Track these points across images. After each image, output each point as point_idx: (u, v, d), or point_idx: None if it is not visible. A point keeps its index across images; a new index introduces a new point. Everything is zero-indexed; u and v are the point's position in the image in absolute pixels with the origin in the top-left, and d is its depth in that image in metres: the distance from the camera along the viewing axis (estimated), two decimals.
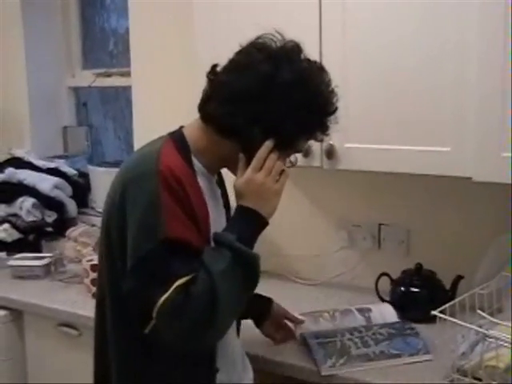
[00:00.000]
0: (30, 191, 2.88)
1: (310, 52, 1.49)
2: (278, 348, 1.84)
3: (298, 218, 2.43)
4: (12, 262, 2.62)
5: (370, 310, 2.02)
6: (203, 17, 2.17)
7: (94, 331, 1.57)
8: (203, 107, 1.48)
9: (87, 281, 2.35)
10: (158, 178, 1.34)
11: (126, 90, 3.01)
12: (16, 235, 2.83)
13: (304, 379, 1.75)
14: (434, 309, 1.64)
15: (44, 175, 2.95)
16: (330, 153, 1.94)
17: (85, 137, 3.40)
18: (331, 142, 1.91)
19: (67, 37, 3.33)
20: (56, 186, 2.92)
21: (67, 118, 3.41)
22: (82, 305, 2.27)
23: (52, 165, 3.04)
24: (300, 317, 1.88)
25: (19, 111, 3.25)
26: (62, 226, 2.87)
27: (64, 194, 2.96)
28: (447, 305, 1.68)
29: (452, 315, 1.63)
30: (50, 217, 2.89)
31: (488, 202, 2.07)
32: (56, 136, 3.37)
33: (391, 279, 2.11)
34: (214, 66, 1.48)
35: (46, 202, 2.88)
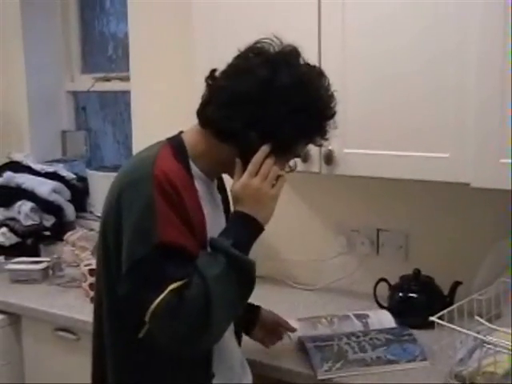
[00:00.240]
0: (29, 195, 2.87)
1: (310, 57, 1.49)
2: (275, 353, 1.83)
3: (296, 222, 2.43)
4: (10, 266, 2.62)
5: (367, 316, 2.02)
6: (202, 22, 2.17)
7: (92, 335, 1.58)
8: (202, 112, 1.48)
9: (85, 285, 2.35)
10: (153, 183, 1.35)
11: (125, 94, 3.01)
12: (14, 239, 2.83)
13: None
14: (432, 315, 1.64)
15: (42, 179, 2.95)
16: (329, 158, 1.94)
17: (83, 141, 3.39)
18: (330, 148, 1.91)
19: (66, 41, 3.34)
20: (54, 190, 2.92)
21: (66, 122, 3.41)
22: (80, 309, 2.26)
23: (50, 169, 3.03)
24: (294, 324, 1.86)
25: (18, 115, 3.25)
26: (60, 230, 2.87)
27: (62, 198, 2.96)
28: (445, 311, 1.68)
29: (450, 321, 1.62)
30: (48, 221, 2.88)
31: (487, 208, 2.07)
32: (55, 140, 3.37)
33: (389, 285, 2.11)
34: (213, 71, 1.49)
35: (44, 206, 2.88)
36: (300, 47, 1.47)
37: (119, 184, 1.43)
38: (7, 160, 3.08)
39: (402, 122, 1.84)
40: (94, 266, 2.30)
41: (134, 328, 1.38)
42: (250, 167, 1.43)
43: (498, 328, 1.57)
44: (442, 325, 1.61)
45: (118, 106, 3.33)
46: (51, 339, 2.33)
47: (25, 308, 2.37)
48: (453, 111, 1.75)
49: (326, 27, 1.92)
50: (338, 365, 1.73)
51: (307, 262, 2.45)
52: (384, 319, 2.01)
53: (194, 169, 1.47)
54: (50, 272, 2.61)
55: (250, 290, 1.41)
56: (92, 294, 2.27)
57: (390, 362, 1.76)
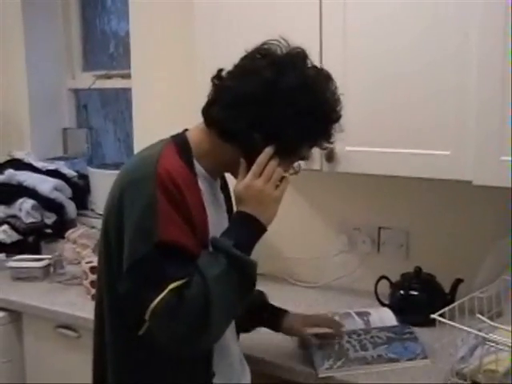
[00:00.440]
0: (30, 193, 2.88)
1: (311, 56, 1.48)
2: (276, 350, 1.83)
3: (297, 221, 2.43)
4: (11, 264, 2.62)
5: (369, 313, 2.02)
6: (204, 20, 2.17)
7: (93, 332, 1.58)
8: (207, 111, 1.48)
9: (86, 283, 2.35)
10: (156, 181, 1.35)
11: (126, 92, 3.01)
12: (15, 237, 2.83)
13: (301, 382, 1.75)
14: (434, 312, 1.64)
15: (44, 177, 2.95)
16: (330, 156, 1.94)
17: (85, 139, 3.39)
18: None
19: (68, 39, 3.34)
20: (56, 188, 2.92)
21: (67, 119, 3.41)
22: (81, 307, 2.27)
23: (52, 166, 3.04)
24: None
25: (19, 113, 3.25)
26: (61, 227, 2.87)
27: (64, 195, 2.96)
28: (446, 308, 1.67)
29: (451, 319, 1.62)
30: (50, 218, 2.89)
31: (488, 206, 2.07)
32: (56, 138, 3.37)
33: (390, 282, 2.11)
34: (220, 71, 1.48)
35: (45, 203, 2.88)
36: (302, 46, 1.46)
37: (121, 182, 1.43)
38: (8, 158, 3.08)
39: (404, 119, 1.84)
40: (95, 264, 2.30)
41: (135, 326, 1.38)
42: (254, 168, 1.43)
43: (499, 326, 1.57)
44: (443, 322, 1.61)
45: (119, 104, 3.33)
46: (52, 337, 2.33)
47: (26, 305, 2.38)
48: (454, 109, 1.75)
49: (327, 27, 1.92)
50: (339, 363, 1.73)
51: (309, 259, 2.46)
52: (385, 317, 2.00)
53: (198, 167, 1.47)
54: (51, 270, 2.61)
55: (250, 290, 1.40)
56: (93, 291, 2.27)
57: (391, 360, 1.75)
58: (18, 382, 2.45)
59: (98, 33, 3.35)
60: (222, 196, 1.60)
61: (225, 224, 1.51)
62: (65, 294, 2.43)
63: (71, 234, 2.69)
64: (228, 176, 1.58)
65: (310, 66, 1.46)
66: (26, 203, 2.84)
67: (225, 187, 1.62)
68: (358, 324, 1.95)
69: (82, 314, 2.21)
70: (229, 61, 1.48)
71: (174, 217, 1.34)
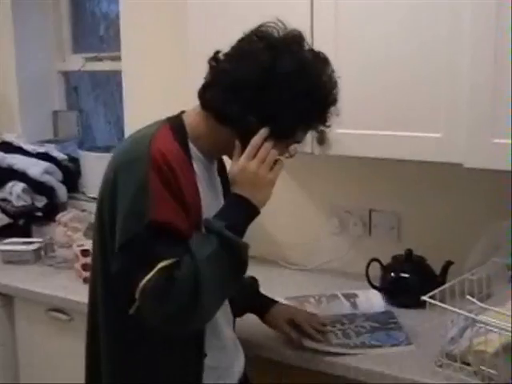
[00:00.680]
0: (20, 176, 2.86)
1: None
2: (264, 332, 1.82)
3: (288, 204, 2.43)
4: (2, 247, 2.62)
5: (356, 295, 2.03)
6: (196, 1, 2.15)
7: (87, 315, 1.58)
8: (203, 93, 1.48)
9: (78, 266, 2.35)
10: (149, 162, 1.34)
11: (117, 74, 2.99)
12: (6, 220, 2.82)
13: (291, 363, 1.76)
14: (424, 294, 1.65)
15: (34, 160, 2.93)
16: (322, 139, 1.94)
17: (75, 121, 3.37)
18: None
19: (57, 21, 3.30)
20: (46, 171, 2.91)
21: (57, 102, 3.38)
22: (73, 290, 2.27)
23: (42, 149, 3.01)
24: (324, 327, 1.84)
25: (9, 95, 3.22)
26: (52, 210, 2.86)
27: (54, 178, 2.95)
28: (437, 290, 1.68)
29: (442, 301, 1.63)
30: (40, 202, 2.87)
31: (479, 188, 2.08)
32: (46, 120, 3.34)
33: (382, 265, 2.12)
34: (217, 53, 1.48)
35: (36, 186, 2.87)
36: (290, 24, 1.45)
37: (115, 163, 1.43)
38: None
39: (395, 102, 1.84)
40: (86, 247, 2.31)
41: (127, 306, 1.38)
42: (248, 150, 1.43)
43: (489, 307, 1.59)
44: (433, 304, 1.62)
45: (109, 87, 3.31)
46: (44, 320, 2.33)
47: (17, 289, 2.38)
48: (445, 91, 1.75)
49: (318, 10, 1.90)
50: (320, 346, 1.73)
51: (300, 242, 2.46)
52: (373, 299, 2.02)
53: (193, 150, 1.47)
54: (42, 253, 2.61)
55: (241, 272, 1.41)
56: (85, 274, 2.28)
57: (373, 346, 1.76)
58: (9, 366, 2.46)
59: (87, 14, 3.32)
60: (218, 179, 1.60)
61: (220, 206, 1.50)
62: (56, 277, 2.43)
63: (62, 217, 2.68)
64: (226, 159, 1.58)
65: (306, 48, 1.46)
66: (17, 186, 2.83)
67: (223, 170, 1.62)
68: (345, 307, 1.97)
69: (73, 297, 2.21)
70: (221, 42, 1.47)
71: (166, 197, 1.34)
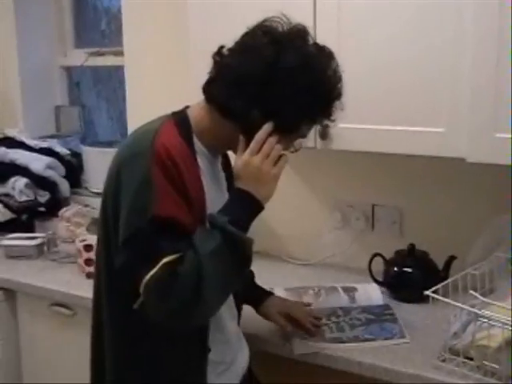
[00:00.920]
0: (23, 171, 2.86)
1: None
2: (264, 326, 1.83)
3: (291, 198, 2.43)
4: (5, 242, 2.62)
5: (355, 289, 2.03)
6: None
7: (92, 310, 1.58)
8: (207, 88, 1.47)
9: (80, 261, 2.36)
10: (152, 157, 1.34)
11: (119, 69, 2.98)
12: (9, 215, 2.82)
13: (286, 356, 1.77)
14: (427, 289, 1.65)
15: (37, 155, 2.93)
16: (324, 133, 1.94)
17: (77, 117, 3.37)
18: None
19: (59, 15, 3.30)
20: (49, 166, 2.91)
21: (60, 97, 3.38)
22: (76, 285, 2.27)
23: (45, 144, 3.02)
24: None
25: (11, 91, 3.22)
26: (54, 206, 2.86)
27: (57, 173, 2.95)
28: (440, 285, 1.69)
29: (444, 295, 1.64)
30: (43, 197, 2.88)
31: (481, 183, 2.07)
32: (48, 116, 3.34)
33: (384, 260, 2.12)
34: (221, 48, 1.47)
35: (38, 181, 2.87)
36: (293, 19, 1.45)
37: (119, 158, 1.43)
38: (1, 136, 3.06)
39: (397, 97, 1.84)
40: (89, 242, 2.31)
41: (131, 301, 1.38)
42: (252, 145, 1.42)
43: (492, 302, 1.59)
44: (436, 299, 1.62)
45: (112, 82, 3.31)
46: (47, 315, 2.33)
47: (20, 284, 2.38)
48: (448, 86, 1.75)
49: (321, 7, 1.90)
50: (314, 343, 1.74)
51: (302, 237, 2.46)
52: (372, 292, 2.02)
53: (198, 144, 1.47)
54: (45, 248, 2.61)
55: (245, 267, 1.40)
56: (88, 269, 2.29)
57: (367, 339, 1.76)
58: (12, 361, 2.46)
59: (89, 9, 3.32)
60: (223, 174, 1.60)
61: (224, 201, 1.50)
62: (59, 272, 2.43)
63: (65, 212, 2.68)
64: (231, 154, 1.58)
65: (311, 43, 1.45)
66: (19, 181, 2.83)
67: (227, 165, 1.62)
68: (343, 300, 1.97)
69: (76, 291, 2.22)
70: (222, 37, 1.47)
71: (169, 192, 1.34)
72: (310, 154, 2.03)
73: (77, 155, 3.11)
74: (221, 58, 1.47)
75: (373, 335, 1.78)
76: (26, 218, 2.83)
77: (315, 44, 1.46)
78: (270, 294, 1.85)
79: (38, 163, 2.88)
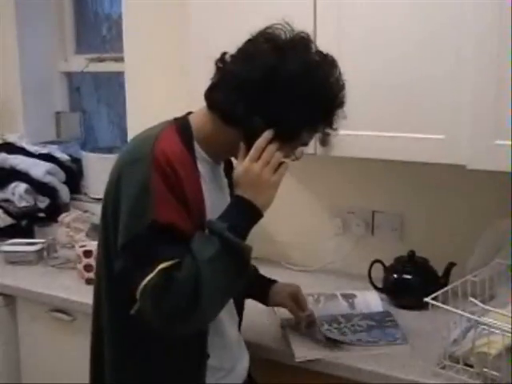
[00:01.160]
0: (23, 177, 2.86)
1: None
2: (258, 331, 1.85)
3: (291, 204, 2.43)
4: (4, 248, 2.61)
5: (354, 295, 2.03)
6: (198, 2, 2.15)
7: (92, 316, 1.58)
8: (209, 94, 1.48)
9: (80, 266, 2.35)
10: (151, 163, 1.35)
11: (120, 75, 2.99)
12: (8, 221, 2.82)
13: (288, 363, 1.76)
14: (427, 296, 1.65)
15: (37, 161, 2.94)
16: (324, 140, 1.93)
17: (78, 122, 3.38)
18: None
19: (60, 21, 3.30)
20: (49, 172, 2.91)
21: (60, 103, 3.39)
22: (75, 290, 2.27)
23: (45, 150, 3.02)
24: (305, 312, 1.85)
25: (12, 96, 3.23)
26: (54, 211, 2.86)
27: (57, 179, 2.95)
28: (440, 292, 1.69)
29: (444, 302, 1.63)
30: (43, 202, 2.88)
31: (482, 190, 2.07)
32: (49, 121, 3.35)
33: (384, 266, 2.12)
34: (223, 54, 1.48)
35: (38, 187, 2.87)
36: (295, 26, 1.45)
37: (120, 163, 1.44)
38: (1, 141, 3.06)
39: (398, 103, 1.84)
40: (88, 248, 2.31)
41: (129, 307, 1.38)
42: (252, 152, 1.42)
43: (491, 309, 1.58)
44: (436, 306, 1.62)
45: (112, 87, 3.31)
46: (46, 320, 2.33)
47: (20, 289, 2.37)
48: (448, 93, 1.75)
49: (321, 13, 1.90)
50: (315, 346, 1.74)
51: (303, 243, 2.46)
52: (371, 299, 2.02)
53: (199, 151, 1.47)
54: (45, 253, 2.61)
55: (243, 274, 1.40)
56: (87, 275, 2.28)
57: (369, 342, 1.76)
58: (11, 366, 2.46)
59: (90, 15, 3.32)
60: (225, 180, 1.59)
61: None
62: (58, 277, 2.43)
63: (64, 217, 2.68)
64: (234, 160, 1.57)
65: (313, 50, 1.45)
66: (19, 187, 2.83)
67: (231, 171, 1.62)
68: (342, 306, 1.97)
69: (75, 297, 2.21)
70: (222, 44, 1.47)
71: (168, 198, 1.34)
72: (311, 160, 2.02)
73: (77, 161, 3.11)
74: (223, 65, 1.47)
75: (375, 338, 1.77)
76: (25, 224, 2.83)
77: (318, 52, 1.46)
78: (274, 281, 1.86)
79: (38, 169, 2.89)
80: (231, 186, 1.58)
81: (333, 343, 1.75)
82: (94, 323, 1.57)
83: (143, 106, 2.76)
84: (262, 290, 1.84)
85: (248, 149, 1.43)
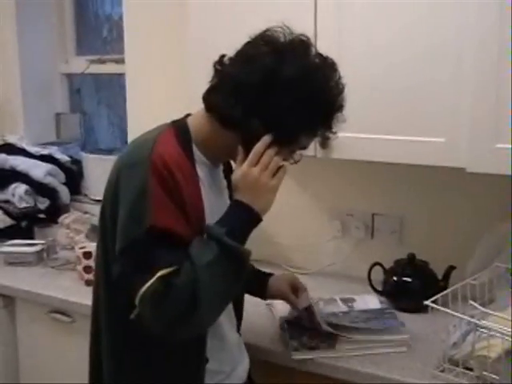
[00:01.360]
0: (23, 178, 2.86)
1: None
2: (257, 333, 1.85)
3: (291, 207, 2.43)
4: (4, 249, 2.61)
5: (353, 299, 2.03)
6: (198, 4, 2.15)
7: (91, 318, 1.58)
8: (207, 97, 1.47)
9: (80, 268, 2.35)
10: (149, 167, 1.34)
11: (120, 77, 2.99)
12: (8, 222, 2.83)
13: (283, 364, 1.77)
14: (427, 299, 1.65)
15: (37, 162, 2.94)
16: (324, 142, 1.93)
17: (78, 124, 3.38)
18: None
19: (61, 22, 3.31)
20: (49, 173, 2.91)
21: (60, 104, 3.39)
22: (75, 292, 2.27)
23: (45, 151, 3.02)
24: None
25: (12, 97, 3.23)
26: (54, 212, 2.86)
27: (57, 180, 2.95)
28: (439, 295, 1.68)
29: (444, 305, 1.63)
30: (43, 203, 2.88)
31: (481, 193, 2.07)
32: (49, 122, 3.35)
33: (384, 269, 2.12)
34: (222, 57, 1.47)
35: (38, 188, 2.87)
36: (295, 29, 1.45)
37: (118, 167, 1.43)
38: (1, 142, 3.07)
39: (398, 106, 1.84)
40: (88, 249, 2.31)
41: (127, 310, 1.37)
42: (251, 156, 1.41)
43: (491, 312, 1.58)
44: (436, 309, 1.62)
45: (112, 89, 3.31)
46: (45, 321, 2.33)
47: (19, 290, 2.37)
48: (448, 96, 1.75)
49: (321, 15, 1.91)
50: (312, 342, 1.75)
51: (302, 245, 2.46)
52: (370, 303, 2.01)
53: (197, 153, 1.46)
54: (45, 255, 2.61)
55: (242, 278, 1.39)
56: (87, 276, 2.28)
57: (367, 330, 1.75)
58: (10, 367, 2.46)
59: (91, 16, 3.33)
60: (224, 183, 1.59)
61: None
62: (58, 279, 2.43)
63: (64, 219, 2.68)
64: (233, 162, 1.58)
65: (313, 54, 1.44)
66: (19, 188, 2.83)
67: (230, 173, 1.61)
68: (341, 308, 1.96)
69: (75, 298, 2.21)
70: (222, 45, 1.47)
71: (166, 202, 1.33)
72: (310, 162, 2.02)
73: (77, 162, 3.11)
74: (222, 67, 1.46)
75: (375, 326, 1.77)
76: (25, 225, 2.83)
77: (318, 55, 1.45)
78: (271, 274, 1.87)
79: (38, 170, 2.89)
80: (230, 187, 1.58)
81: (334, 328, 1.74)
82: (93, 325, 1.57)
83: (143, 108, 2.76)
84: (260, 283, 1.84)
85: (246, 152, 1.42)
